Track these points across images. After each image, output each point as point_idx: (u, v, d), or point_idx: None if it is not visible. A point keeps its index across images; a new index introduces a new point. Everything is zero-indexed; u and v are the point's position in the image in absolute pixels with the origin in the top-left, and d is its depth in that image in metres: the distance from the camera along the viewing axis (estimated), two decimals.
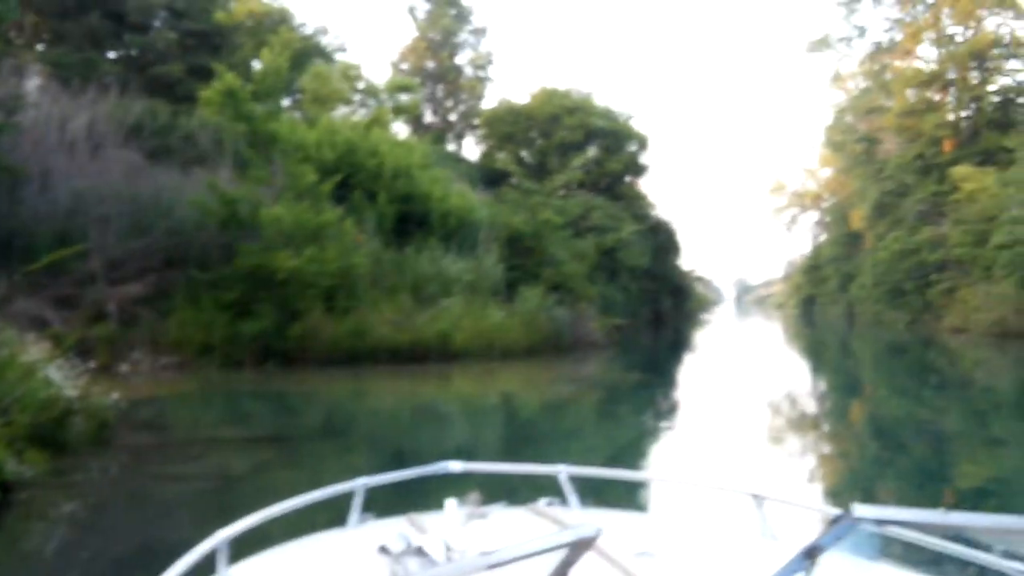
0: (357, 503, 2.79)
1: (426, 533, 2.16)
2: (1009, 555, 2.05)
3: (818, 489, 9.93)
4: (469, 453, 11.43)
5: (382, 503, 2.95)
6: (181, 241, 22.06)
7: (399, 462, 10.77)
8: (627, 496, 7.12)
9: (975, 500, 9.24)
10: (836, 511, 1.23)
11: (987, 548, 2.14)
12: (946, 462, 11.76)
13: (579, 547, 1.25)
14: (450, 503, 2.43)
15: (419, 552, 1.99)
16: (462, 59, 52.29)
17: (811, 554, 1.25)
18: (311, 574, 2.32)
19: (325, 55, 34.69)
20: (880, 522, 1.28)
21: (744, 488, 2.63)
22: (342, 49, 37.00)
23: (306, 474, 9.89)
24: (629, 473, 7.62)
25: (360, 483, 2.85)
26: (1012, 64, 48.15)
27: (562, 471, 2.95)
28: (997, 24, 48.43)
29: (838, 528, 1.22)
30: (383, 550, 2.03)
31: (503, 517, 2.50)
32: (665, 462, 11.49)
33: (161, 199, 22.57)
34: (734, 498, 2.74)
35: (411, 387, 20.29)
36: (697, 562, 2.21)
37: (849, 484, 10.38)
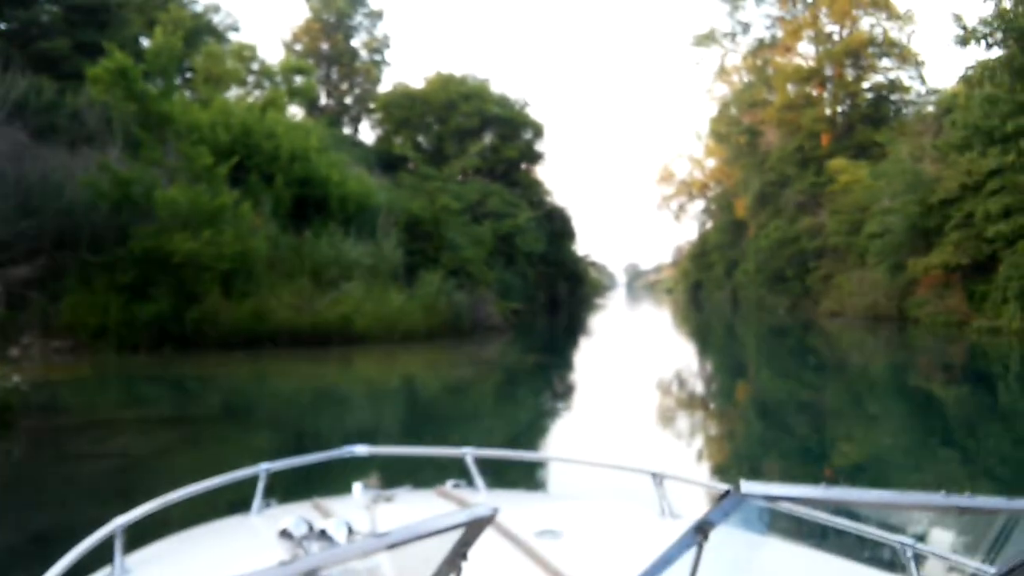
0: (260, 488, 2.73)
1: (330, 517, 2.11)
2: (887, 527, 2.15)
3: (710, 466, 10.40)
4: (372, 435, 11.27)
5: (287, 488, 2.94)
6: (72, 223, 21.45)
7: (302, 445, 10.69)
8: (532, 477, 7.31)
9: (853, 473, 9.80)
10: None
11: (867, 520, 2.23)
12: (826, 439, 12.44)
13: (476, 526, 1.23)
14: (356, 486, 2.37)
15: (321, 535, 1.95)
16: (357, 42, 51.93)
17: (701, 529, 1.27)
18: (210, 561, 2.28)
19: (217, 34, 33.98)
20: (766, 497, 1.29)
21: (644, 467, 2.67)
22: (235, 28, 36.33)
23: (209, 455, 9.99)
24: (533, 454, 7.84)
25: (263, 468, 2.79)
26: (885, 63, 50.86)
27: (468, 453, 2.93)
28: (871, 24, 51.04)
29: (726, 504, 1.23)
30: (284, 534, 1.97)
31: (409, 500, 2.45)
32: (566, 442, 11.74)
33: (49, 179, 21.86)
34: (635, 477, 2.77)
35: (313, 370, 20.33)
36: (599, 540, 2.25)
37: (738, 461, 10.85)
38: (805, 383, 19.52)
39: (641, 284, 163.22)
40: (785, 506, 2.00)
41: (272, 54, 49.23)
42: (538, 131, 48.10)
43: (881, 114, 48.92)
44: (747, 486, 1.21)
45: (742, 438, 12.80)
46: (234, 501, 2.85)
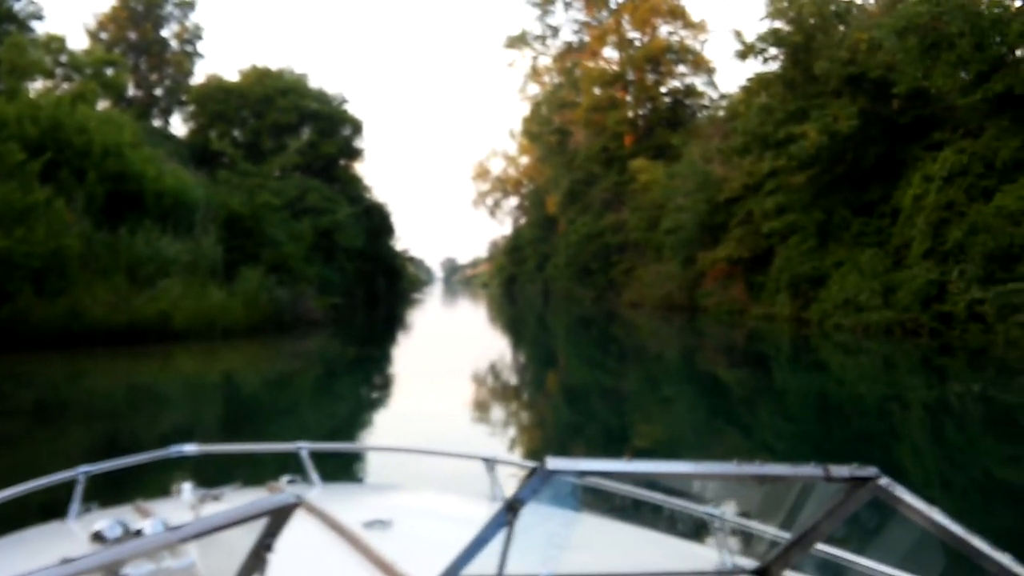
0: (78, 492, 2.57)
1: (150, 519, 2.00)
2: (694, 498, 2.25)
3: (530, 449, 10.88)
4: (193, 432, 11.30)
5: (111, 491, 2.79)
6: None
7: (119, 444, 10.53)
8: (368, 469, 7.40)
9: (653, 449, 10.81)
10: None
11: (676, 494, 2.32)
12: (628, 419, 13.57)
13: (279, 515, 1.18)
14: (184, 487, 2.28)
15: (136, 537, 1.79)
16: (167, 32, 50.38)
17: (511, 508, 1.28)
18: (18, 572, 2.30)
19: (19, 22, 32.47)
20: (573, 473, 1.32)
21: (476, 453, 2.69)
22: (38, 16, 34.68)
23: (22, 458, 9.69)
24: (367, 446, 7.72)
25: (81, 471, 2.64)
26: (681, 69, 54.64)
27: (302, 448, 2.87)
28: (669, 32, 54.70)
29: (534, 481, 1.25)
30: (97, 538, 1.86)
31: (237, 498, 2.32)
32: (392, 432, 11.75)
33: None
34: (468, 464, 2.78)
35: (131, 368, 20.13)
36: (429, 528, 2.25)
37: (555, 443, 11.55)
38: (608, 369, 21.00)
39: (458, 278, 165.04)
40: (596, 482, 2.11)
41: (76, 42, 46.91)
42: (357, 127, 48.55)
43: (678, 117, 52.35)
44: (553, 462, 1.22)
45: (556, 422, 13.52)
46: (50, 507, 2.63)
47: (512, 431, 12.68)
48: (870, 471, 1.37)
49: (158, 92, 49.46)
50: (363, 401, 15.72)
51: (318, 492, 2.63)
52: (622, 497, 2.50)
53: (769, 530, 1.90)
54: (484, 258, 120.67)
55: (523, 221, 77.42)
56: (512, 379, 20.09)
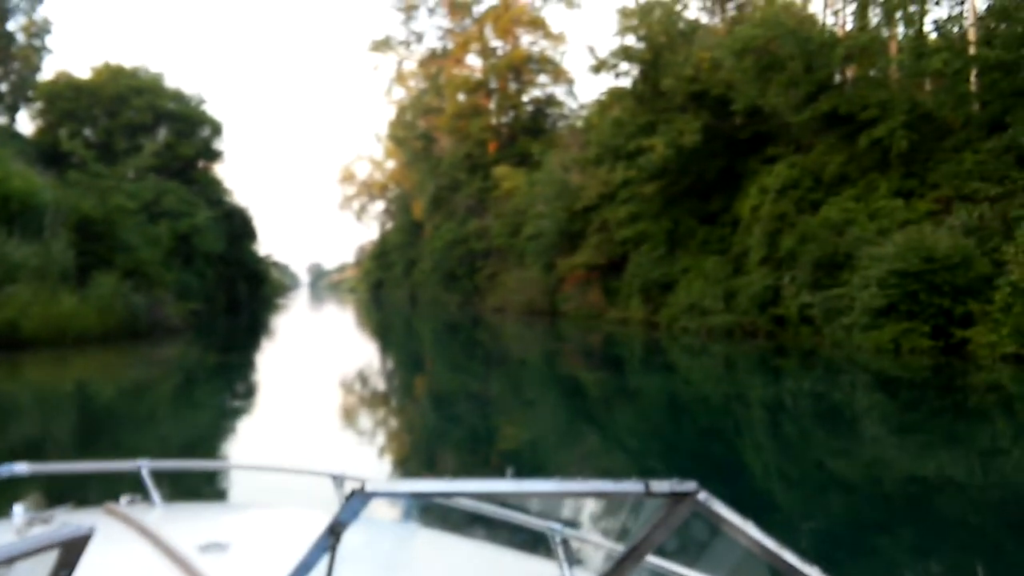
0: None
1: None
2: (539, 514, 2.22)
3: (392, 462, 10.94)
4: (39, 447, 11.34)
5: None
6: None
7: None
8: (217, 487, 7.28)
9: (515, 453, 11.09)
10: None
11: (521, 509, 2.28)
12: (492, 424, 13.84)
13: (71, 548, 1.11)
14: (16, 509, 2.17)
15: None
16: (13, 25, 47.92)
17: (333, 531, 1.28)
18: None
19: None
20: (391, 495, 1.32)
21: (325, 470, 2.63)
22: None
23: None
24: (213, 463, 7.52)
25: None
26: (542, 78, 56.03)
27: (143, 466, 2.75)
28: (531, 42, 56.01)
29: (353, 503, 1.24)
30: None
31: (74, 521, 2.20)
32: (251, 446, 11.76)
33: None
34: (319, 481, 2.74)
35: None
36: (270, 549, 2.16)
37: (417, 455, 11.55)
38: (473, 374, 21.43)
39: (325, 284, 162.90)
40: (436, 499, 2.09)
41: None
42: (216, 129, 47.56)
43: (539, 126, 53.62)
44: (372, 484, 1.23)
45: (420, 433, 13.61)
46: None
47: (376, 441, 12.77)
48: (689, 486, 1.38)
49: (2, 88, 47.06)
50: (221, 412, 15.44)
51: (158, 512, 2.55)
52: (463, 512, 2.49)
53: (605, 543, 1.93)
54: (351, 263, 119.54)
55: (389, 226, 77.27)
56: (378, 386, 20.17)
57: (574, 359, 25.15)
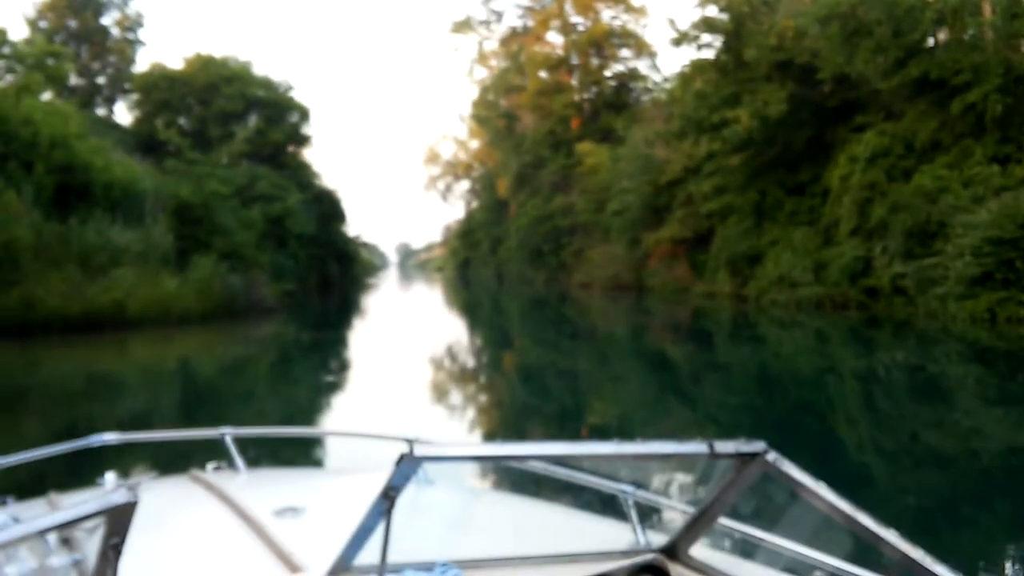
0: None
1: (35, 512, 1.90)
2: (608, 476, 2.19)
3: (481, 432, 11.21)
4: (147, 418, 11.86)
5: (35, 483, 2.71)
6: None
7: (75, 432, 11.12)
8: (302, 453, 7.31)
9: (604, 427, 11.17)
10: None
11: (588, 469, 2.24)
12: (582, 398, 14.02)
13: (116, 515, 1.12)
14: (107, 477, 2.22)
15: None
16: (108, 19, 49.89)
17: (387, 495, 1.27)
18: None
19: None
20: (441, 459, 1.33)
21: (399, 435, 2.63)
22: None
23: None
24: (292, 430, 7.42)
25: None
26: (624, 53, 55.48)
27: (226, 433, 2.79)
28: (611, 16, 55.46)
29: (404, 467, 1.24)
30: None
31: (155, 488, 2.31)
32: (340, 416, 11.98)
33: None
34: (397, 446, 3.09)
35: (87, 356, 20.35)
36: (344, 514, 2.03)
37: (501, 426, 11.74)
38: (562, 349, 21.64)
39: (413, 263, 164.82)
40: (493, 461, 2.26)
41: (16, 31, 46.30)
42: (304, 114, 48.69)
43: (622, 101, 53.07)
44: (420, 448, 1.23)
45: (511, 402, 13.92)
46: None
47: (461, 413, 12.92)
48: (757, 446, 1.34)
49: (100, 81, 49.07)
50: (314, 385, 15.84)
51: (241, 478, 2.60)
52: (535, 475, 2.47)
53: (678, 506, 1.93)
54: (438, 242, 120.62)
55: (475, 205, 77.70)
56: (465, 361, 20.49)
57: (661, 333, 25.13)
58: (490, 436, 10.81)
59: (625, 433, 10.69)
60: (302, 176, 46.70)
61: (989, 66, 20.76)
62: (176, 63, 46.40)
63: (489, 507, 2.32)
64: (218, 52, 49.01)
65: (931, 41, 23.16)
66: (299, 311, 33.99)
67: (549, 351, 21.55)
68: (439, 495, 2.23)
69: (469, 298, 51.90)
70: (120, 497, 1.15)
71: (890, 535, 1.40)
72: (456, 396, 14.68)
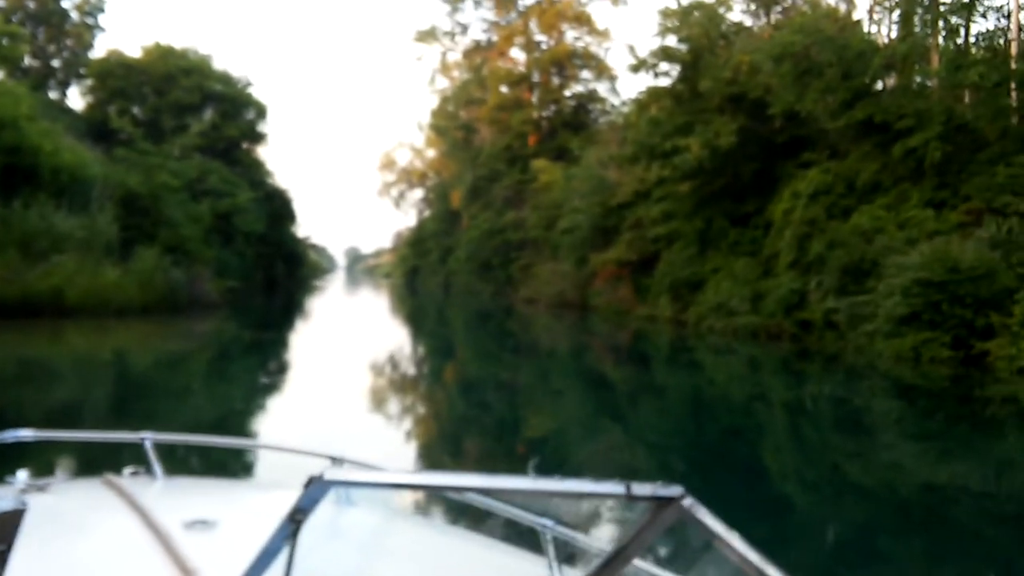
0: None
1: None
2: (530, 509, 2.15)
3: (416, 448, 11.15)
4: (76, 412, 11.68)
5: None
6: None
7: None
8: (227, 462, 7.12)
9: (540, 444, 11.45)
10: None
11: (515, 504, 2.21)
12: (516, 414, 14.19)
13: (3, 523, 1.08)
14: (18, 476, 2.16)
15: None
16: (67, 3, 49.19)
17: (293, 518, 1.23)
18: None
19: None
20: (350, 484, 1.30)
21: (324, 451, 2.56)
22: None
23: None
24: (216, 439, 6.79)
25: None
26: (585, 74, 56.17)
27: (147, 438, 2.69)
28: (575, 37, 56.12)
29: (311, 491, 1.20)
30: None
31: (65, 490, 2.24)
32: (271, 423, 11.85)
33: None
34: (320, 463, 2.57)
35: (19, 341, 20.04)
36: (257, 528, 1.82)
37: (435, 442, 11.71)
38: (504, 363, 21.92)
39: (361, 268, 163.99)
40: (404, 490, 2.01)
41: None
42: (261, 111, 48.47)
43: (580, 121, 53.70)
44: (331, 472, 1.21)
45: (442, 420, 13.89)
46: None
47: (396, 426, 12.90)
48: (674, 491, 1.32)
49: (55, 64, 48.27)
50: (250, 387, 15.75)
51: (157, 486, 2.53)
52: (457, 503, 2.47)
53: (596, 545, 1.88)
54: (388, 249, 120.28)
55: (427, 214, 77.68)
56: (406, 371, 20.52)
57: (602, 353, 25.50)
58: (424, 450, 10.85)
59: (557, 452, 10.93)
60: (254, 174, 46.44)
61: (932, 114, 21.56)
62: (135, 51, 45.86)
63: (408, 533, 2.27)
64: (178, 43, 48.40)
65: (880, 85, 24.00)
66: (242, 309, 33.78)
67: (491, 365, 21.75)
68: (356, 517, 2.19)
69: (415, 306, 51.94)
70: (7, 504, 1.11)
71: None
72: (392, 407, 14.69)
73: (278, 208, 49.30)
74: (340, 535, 2.05)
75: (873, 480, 9.95)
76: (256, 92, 48.92)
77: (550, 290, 41.42)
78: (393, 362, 21.11)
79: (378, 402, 14.72)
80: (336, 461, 2.48)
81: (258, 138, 48.50)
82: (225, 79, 46.23)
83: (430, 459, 10.20)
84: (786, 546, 7.09)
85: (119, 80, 43.17)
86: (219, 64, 47.23)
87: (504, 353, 24.92)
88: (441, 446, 11.32)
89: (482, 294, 52.69)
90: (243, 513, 2.27)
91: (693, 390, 17.60)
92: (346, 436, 10.06)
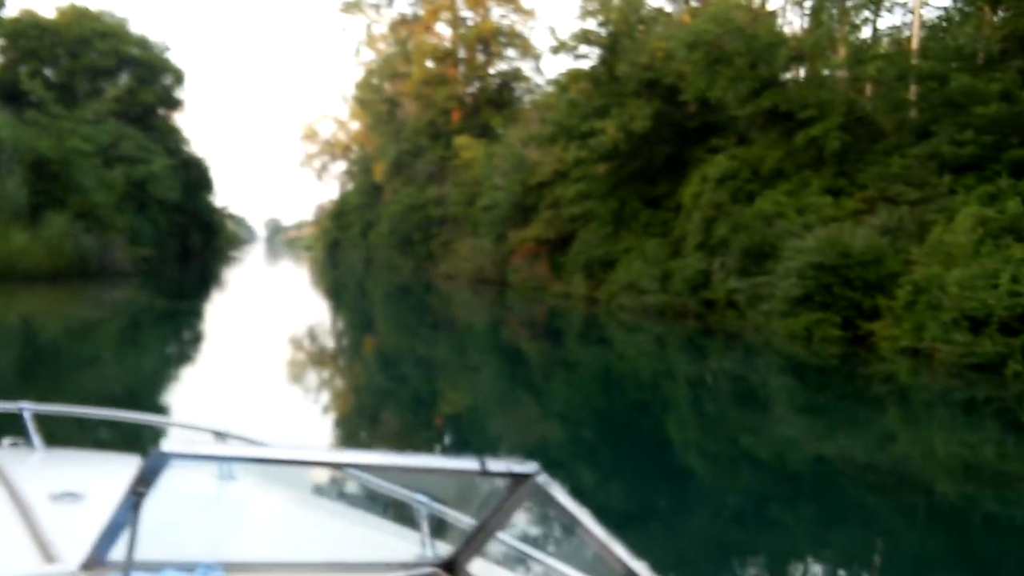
0: None
1: None
2: (406, 484, 2.15)
3: (331, 421, 11.27)
4: None
5: None
6: None
7: None
8: (112, 435, 7.06)
9: (455, 418, 11.71)
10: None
11: (392, 480, 2.21)
12: (433, 388, 14.55)
13: None
14: None
15: None
16: None
17: (135, 491, 1.22)
18: None
19: None
20: (191, 457, 1.31)
21: (208, 425, 2.51)
22: None
23: None
24: (98, 411, 7.28)
25: None
26: (510, 52, 56.30)
27: (25, 408, 2.63)
28: (501, 15, 56.18)
29: (149, 463, 1.18)
30: None
31: None
32: (177, 395, 11.77)
33: None
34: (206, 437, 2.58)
35: None
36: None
37: (348, 415, 11.83)
38: (421, 338, 22.28)
39: (282, 240, 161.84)
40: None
41: None
42: (179, 77, 47.58)
43: (504, 99, 53.74)
44: (168, 446, 1.18)
45: (358, 394, 14.10)
46: None
47: (308, 400, 12.94)
48: (528, 467, 1.32)
49: None
50: (160, 358, 15.69)
51: (35, 457, 2.48)
52: (341, 480, 2.42)
53: (466, 520, 1.88)
54: (310, 221, 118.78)
55: (350, 187, 77.11)
56: (323, 344, 20.68)
57: (517, 329, 26.07)
58: (332, 425, 10.98)
59: (471, 427, 11.37)
60: (171, 141, 45.67)
61: (834, 105, 22.54)
62: (50, 12, 44.46)
63: (280, 508, 2.20)
64: (94, 5, 47.00)
65: (790, 76, 24.93)
66: (155, 278, 33.36)
67: (408, 339, 22.10)
68: (236, 492, 2.15)
69: (335, 280, 51.78)
70: None
71: (641, 567, 1.38)
72: (306, 381, 14.71)
73: (195, 176, 48.58)
74: (216, 509, 2.02)
75: (766, 452, 10.72)
76: (174, 58, 48.10)
77: (469, 266, 41.78)
78: (311, 335, 21.24)
79: (291, 376, 14.74)
80: (220, 435, 2.47)
81: (175, 104, 47.66)
82: (142, 43, 45.23)
83: (337, 434, 10.47)
84: (686, 512, 7.74)
85: (31, 41, 41.85)
86: (136, 28, 46.24)
87: (422, 328, 25.27)
88: (350, 421, 11.48)
89: (402, 269, 52.77)
90: (114, 486, 2.12)
91: (603, 366, 18.32)
92: (251, 410, 9.99)
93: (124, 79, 43.89)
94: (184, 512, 1.72)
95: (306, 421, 10.56)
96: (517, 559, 2.06)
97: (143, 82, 44.30)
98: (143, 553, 1.33)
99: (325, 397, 13.63)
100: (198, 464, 2.03)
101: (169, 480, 1.31)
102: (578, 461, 9.53)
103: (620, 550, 1.36)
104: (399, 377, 15.60)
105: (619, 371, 17.72)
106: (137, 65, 44.51)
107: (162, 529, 1.41)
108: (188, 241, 47.75)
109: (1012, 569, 6.56)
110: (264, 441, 2.06)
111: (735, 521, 7.70)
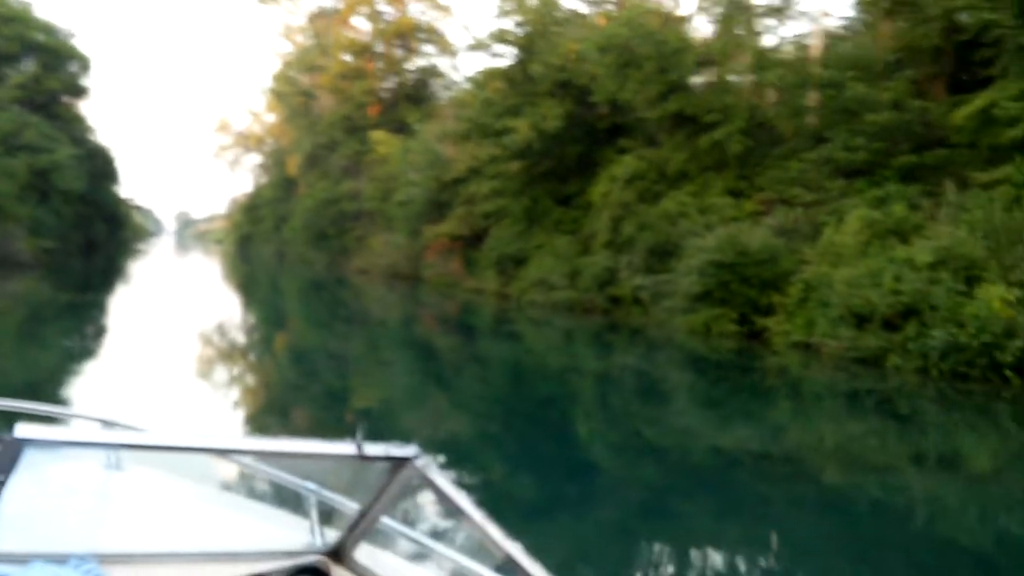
0: None
1: None
2: (295, 472, 2.13)
3: (236, 416, 11.22)
4: None
5: None
6: None
7: None
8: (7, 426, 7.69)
9: (366, 414, 11.52)
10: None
11: (280, 467, 2.16)
12: (345, 383, 14.63)
13: None
14: None
15: None
16: None
17: None
18: None
19: None
20: (45, 443, 1.21)
21: (98, 416, 2.47)
22: None
23: None
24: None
25: None
26: (428, 49, 56.32)
27: None
28: (419, 11, 56.14)
29: (7, 450, 1.13)
30: None
31: None
32: (93, 391, 11.59)
33: None
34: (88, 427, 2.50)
35: None
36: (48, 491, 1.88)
37: (256, 409, 11.83)
38: (334, 333, 22.32)
39: (192, 233, 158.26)
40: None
41: None
42: (85, 65, 46.23)
43: (420, 95, 53.65)
44: (23, 430, 1.13)
45: (272, 388, 14.14)
46: None
47: (224, 395, 12.98)
48: (407, 451, 1.29)
49: None
50: (60, 351, 15.44)
51: None
52: (230, 465, 2.34)
53: (356, 507, 1.84)
54: (222, 215, 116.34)
55: (263, 180, 75.95)
56: (235, 339, 20.59)
57: (430, 324, 26.29)
58: (248, 420, 10.97)
59: (381, 419, 11.43)
60: (76, 130, 44.36)
61: (737, 109, 23.41)
62: None
63: (168, 498, 2.14)
64: None
65: (699, 79, 25.70)
66: (58, 270, 32.48)
67: (321, 334, 22.10)
68: (123, 481, 2.11)
69: (247, 274, 51.11)
70: None
71: (515, 548, 1.39)
72: (212, 376, 14.62)
73: (100, 167, 47.29)
74: (98, 500, 1.99)
75: (666, 443, 11.24)
76: (81, 45, 46.64)
77: (384, 261, 41.80)
78: (220, 330, 21.07)
79: (198, 372, 14.64)
80: (108, 424, 2.40)
81: (81, 92, 46.27)
82: (47, 29, 43.78)
83: (244, 431, 10.42)
84: (588, 501, 8.10)
85: None
86: (41, 13, 44.66)
87: (336, 323, 25.29)
88: (258, 417, 11.48)
89: (316, 263, 52.40)
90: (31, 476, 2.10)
91: (512, 360, 18.71)
92: (153, 405, 9.87)
93: (28, 66, 42.43)
94: (62, 503, 1.70)
95: (210, 416, 10.55)
96: (406, 544, 2.07)
97: (48, 69, 42.89)
98: (7, 544, 1.29)
99: (232, 392, 13.62)
100: (62, 451, 1.91)
101: (50, 470, 1.34)
102: (485, 453, 9.85)
103: (495, 531, 1.37)
104: (310, 372, 15.64)
105: (527, 365, 18.14)
106: (42, 51, 43.07)
107: (32, 520, 1.36)
108: (92, 233, 46.44)
109: (894, 550, 7.02)
110: (146, 429, 2.02)
111: (636, 510, 8.05)
